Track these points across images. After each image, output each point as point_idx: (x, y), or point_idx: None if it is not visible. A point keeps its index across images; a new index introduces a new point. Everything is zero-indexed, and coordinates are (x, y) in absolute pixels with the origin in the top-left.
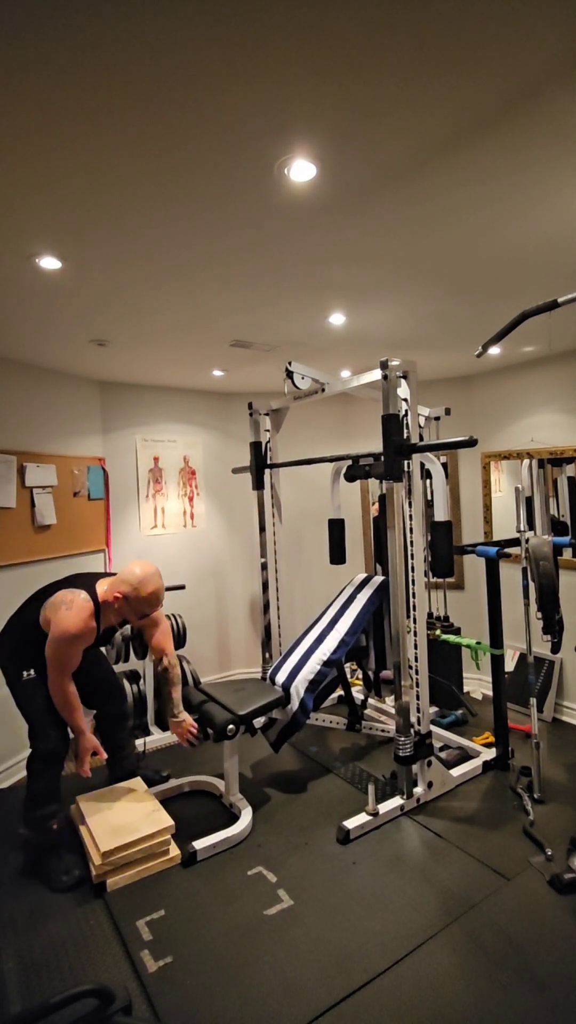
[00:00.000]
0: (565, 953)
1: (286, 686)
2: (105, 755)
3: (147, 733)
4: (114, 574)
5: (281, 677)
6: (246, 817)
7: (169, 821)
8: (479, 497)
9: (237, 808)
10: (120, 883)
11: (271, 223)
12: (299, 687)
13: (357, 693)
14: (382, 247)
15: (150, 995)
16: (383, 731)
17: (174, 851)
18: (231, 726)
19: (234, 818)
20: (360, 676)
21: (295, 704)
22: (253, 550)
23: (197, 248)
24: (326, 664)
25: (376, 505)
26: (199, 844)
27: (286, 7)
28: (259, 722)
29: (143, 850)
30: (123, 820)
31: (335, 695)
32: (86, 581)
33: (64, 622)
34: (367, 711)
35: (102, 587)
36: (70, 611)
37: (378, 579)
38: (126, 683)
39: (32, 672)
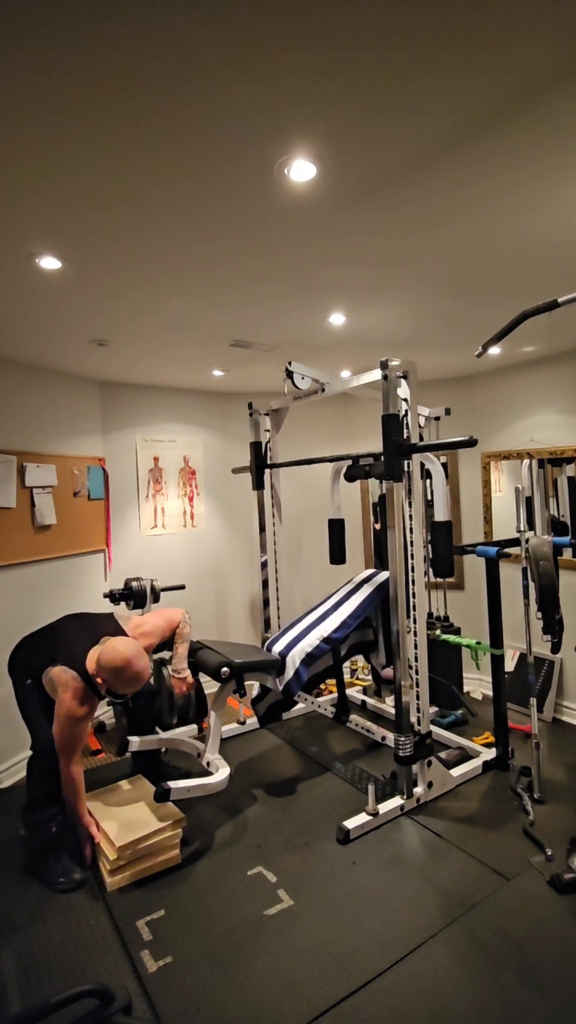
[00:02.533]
0: (565, 953)
1: (283, 655)
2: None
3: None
4: (108, 616)
5: (279, 647)
6: (224, 772)
7: (180, 814)
8: (479, 497)
9: (215, 766)
10: (135, 877)
11: (271, 223)
12: (295, 658)
13: (357, 693)
14: (382, 247)
15: (150, 995)
16: (367, 731)
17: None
18: (225, 668)
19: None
20: (362, 676)
21: (289, 673)
22: (253, 550)
23: (197, 248)
24: (325, 641)
25: (379, 525)
26: (173, 784)
27: (285, 8)
28: (254, 693)
29: (156, 843)
30: (133, 815)
31: (333, 696)
32: (79, 645)
33: (63, 706)
34: (360, 714)
35: (91, 661)
36: (66, 693)
37: (384, 574)
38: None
39: (31, 681)
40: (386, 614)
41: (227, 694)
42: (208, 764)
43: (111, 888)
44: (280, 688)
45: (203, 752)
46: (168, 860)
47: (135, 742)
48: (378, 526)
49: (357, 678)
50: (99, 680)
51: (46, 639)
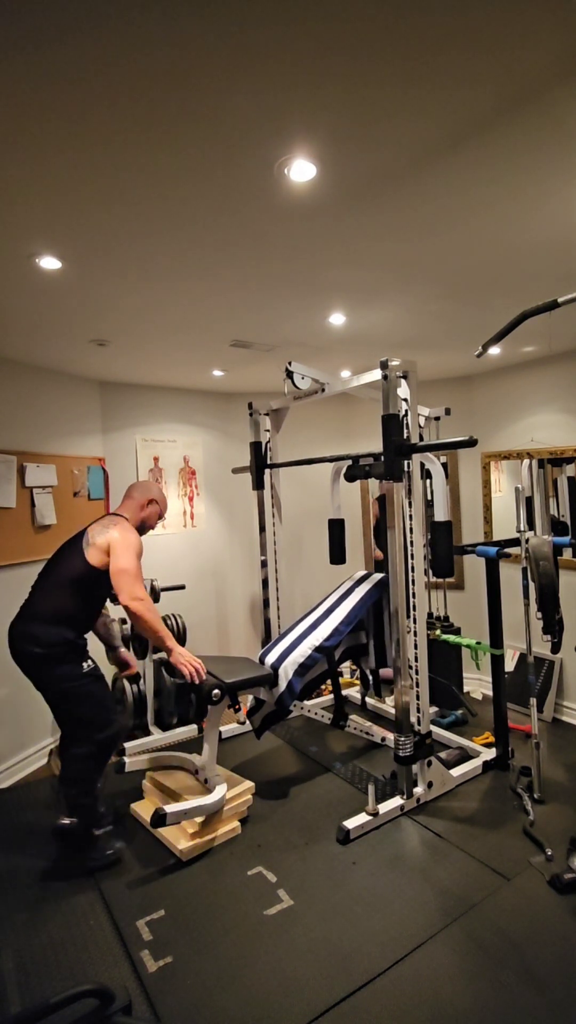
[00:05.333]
0: (565, 953)
1: (275, 667)
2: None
3: (147, 733)
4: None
5: (271, 658)
6: (221, 790)
7: (249, 782)
8: (479, 497)
9: (212, 784)
10: (207, 845)
11: (271, 223)
12: (288, 669)
13: (355, 692)
14: (382, 247)
15: (150, 995)
16: (367, 733)
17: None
18: (216, 691)
19: None
20: (358, 676)
21: (282, 686)
22: (253, 550)
23: (197, 248)
24: (317, 650)
25: (375, 502)
26: (169, 808)
27: (285, 11)
28: (249, 705)
29: (233, 807)
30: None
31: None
32: (94, 521)
33: (129, 538)
34: (359, 714)
35: (122, 510)
36: (126, 532)
37: (377, 576)
38: (126, 684)
39: (91, 662)
40: (377, 617)
41: (220, 714)
42: (206, 781)
43: (186, 857)
44: (273, 704)
45: (200, 769)
46: (231, 832)
47: (127, 762)
48: (375, 505)
49: (356, 678)
50: (147, 503)
51: (48, 587)
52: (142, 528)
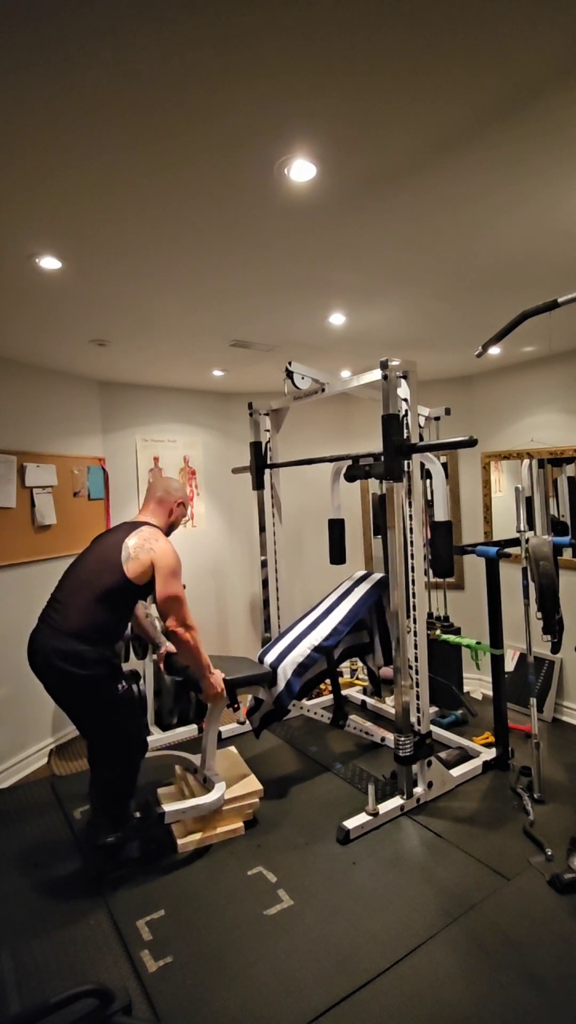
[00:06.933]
0: (565, 953)
1: (274, 666)
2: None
3: (147, 733)
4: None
5: (270, 658)
6: (219, 789)
7: (258, 785)
8: (479, 497)
9: (211, 783)
10: (203, 843)
11: (272, 223)
12: (287, 669)
13: (355, 692)
14: (382, 247)
15: (150, 995)
16: (367, 733)
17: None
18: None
19: None
20: (361, 676)
21: (281, 685)
22: (253, 550)
23: (197, 247)
24: (316, 650)
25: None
26: (168, 807)
27: (285, 11)
28: (248, 705)
29: (235, 809)
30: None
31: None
32: (124, 529)
33: (168, 555)
34: (360, 714)
35: (151, 516)
36: (162, 542)
37: (376, 575)
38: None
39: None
40: (380, 615)
41: (220, 710)
42: (204, 780)
43: (182, 850)
44: (272, 703)
45: (199, 767)
46: (234, 831)
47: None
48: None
49: (357, 678)
50: (177, 506)
51: (76, 603)
52: (168, 531)
